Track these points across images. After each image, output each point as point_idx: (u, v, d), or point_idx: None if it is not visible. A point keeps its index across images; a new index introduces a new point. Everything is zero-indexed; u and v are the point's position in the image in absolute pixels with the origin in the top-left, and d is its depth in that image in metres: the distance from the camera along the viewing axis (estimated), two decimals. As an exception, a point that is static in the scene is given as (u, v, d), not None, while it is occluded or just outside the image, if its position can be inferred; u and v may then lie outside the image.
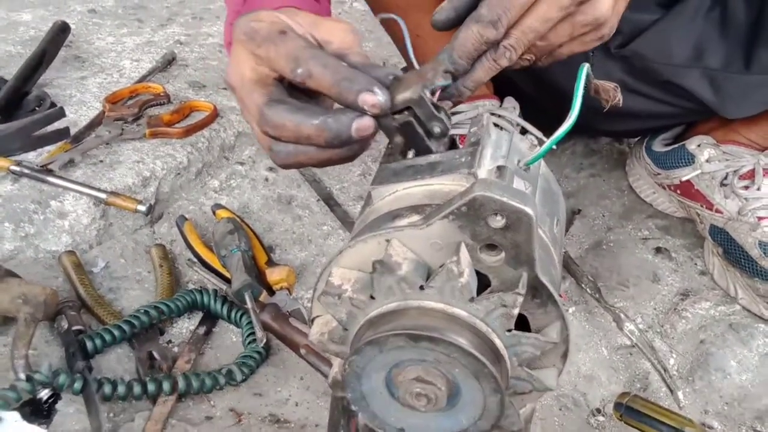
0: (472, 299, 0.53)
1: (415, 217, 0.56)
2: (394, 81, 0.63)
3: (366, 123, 0.61)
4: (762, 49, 1.06)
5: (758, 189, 1.11)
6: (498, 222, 0.51)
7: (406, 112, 0.62)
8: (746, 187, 1.12)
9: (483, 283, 0.54)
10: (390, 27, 1.28)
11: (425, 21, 1.19)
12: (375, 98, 0.60)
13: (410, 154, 0.65)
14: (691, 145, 1.20)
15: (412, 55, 0.74)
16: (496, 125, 0.68)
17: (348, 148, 0.65)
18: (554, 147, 0.61)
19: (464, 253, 0.52)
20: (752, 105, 1.12)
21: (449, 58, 0.69)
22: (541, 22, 0.68)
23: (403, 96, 0.61)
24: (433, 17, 0.71)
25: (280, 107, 0.64)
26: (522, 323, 0.56)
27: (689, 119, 1.27)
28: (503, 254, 0.53)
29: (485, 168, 0.60)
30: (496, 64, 0.70)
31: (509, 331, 0.54)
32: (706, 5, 1.11)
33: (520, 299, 0.53)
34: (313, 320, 0.60)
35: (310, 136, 0.62)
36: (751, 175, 1.13)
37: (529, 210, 0.50)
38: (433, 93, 0.64)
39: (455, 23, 0.71)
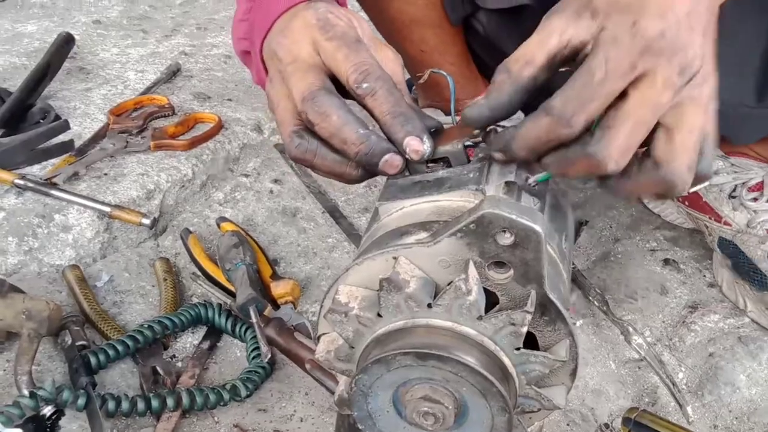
0: (480, 317, 0.52)
1: (423, 234, 0.55)
2: (435, 132, 0.65)
3: (397, 161, 0.62)
4: None
5: (767, 201, 1.10)
6: (506, 239, 0.51)
7: (441, 162, 0.64)
8: (755, 199, 1.11)
9: (491, 301, 0.54)
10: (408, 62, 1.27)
11: (428, 36, 1.20)
12: (421, 146, 0.61)
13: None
14: (699, 156, 1.19)
15: (453, 111, 0.73)
16: None
17: (361, 173, 0.66)
18: None
19: (472, 270, 0.52)
20: (760, 132, 1.11)
21: (505, 144, 0.59)
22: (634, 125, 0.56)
23: (444, 148, 0.63)
24: (465, 112, 0.61)
25: (335, 99, 0.64)
26: (530, 340, 0.55)
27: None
28: (512, 272, 0.53)
29: (493, 184, 0.60)
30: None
31: (518, 349, 0.54)
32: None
33: (529, 317, 0.52)
34: (319, 338, 0.60)
35: (346, 141, 0.63)
36: (759, 187, 1.12)
37: (537, 227, 0.50)
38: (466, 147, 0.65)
39: (488, 123, 0.62)
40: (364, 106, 0.65)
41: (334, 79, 0.67)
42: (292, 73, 0.66)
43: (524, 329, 0.52)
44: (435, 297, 0.53)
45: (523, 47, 0.58)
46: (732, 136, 1.13)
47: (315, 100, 0.64)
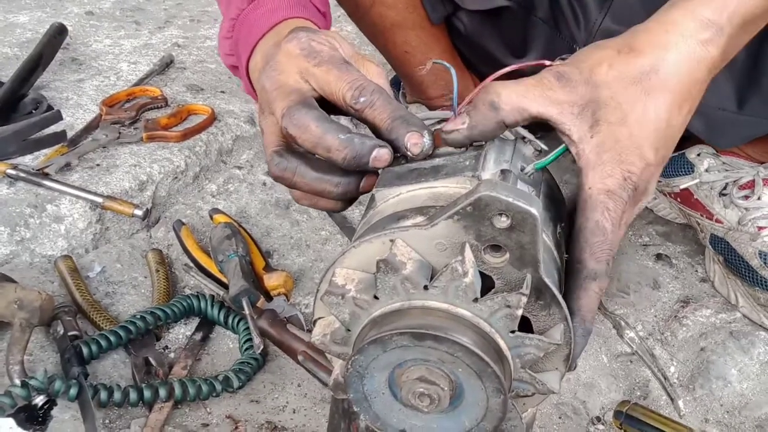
0: (476, 299, 0.52)
1: (420, 218, 0.55)
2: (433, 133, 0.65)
3: (385, 154, 0.63)
4: (755, 95, 1.05)
5: (758, 199, 1.10)
6: (503, 222, 0.51)
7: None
8: (746, 197, 1.12)
9: (487, 285, 0.54)
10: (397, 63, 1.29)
11: (411, 38, 1.21)
12: (421, 139, 0.62)
13: None
14: (691, 154, 1.20)
15: (455, 102, 0.73)
16: None
17: (341, 189, 0.66)
18: None
19: (469, 252, 0.52)
20: (741, 138, 1.12)
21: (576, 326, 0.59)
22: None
23: (446, 149, 0.64)
24: (445, 137, 0.64)
25: (312, 111, 0.64)
26: (525, 325, 0.56)
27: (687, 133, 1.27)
28: (507, 255, 0.53)
29: (489, 172, 0.60)
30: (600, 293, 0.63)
31: (513, 332, 0.54)
32: None
33: (524, 300, 0.52)
34: (315, 322, 0.60)
35: (330, 149, 0.63)
36: (750, 185, 1.12)
37: (534, 210, 0.50)
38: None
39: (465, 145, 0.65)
40: (363, 119, 0.66)
41: (325, 102, 0.67)
42: (276, 98, 0.67)
43: (519, 312, 0.52)
44: (431, 279, 0.53)
45: (521, 94, 0.61)
46: (714, 142, 1.14)
47: (293, 115, 0.64)
